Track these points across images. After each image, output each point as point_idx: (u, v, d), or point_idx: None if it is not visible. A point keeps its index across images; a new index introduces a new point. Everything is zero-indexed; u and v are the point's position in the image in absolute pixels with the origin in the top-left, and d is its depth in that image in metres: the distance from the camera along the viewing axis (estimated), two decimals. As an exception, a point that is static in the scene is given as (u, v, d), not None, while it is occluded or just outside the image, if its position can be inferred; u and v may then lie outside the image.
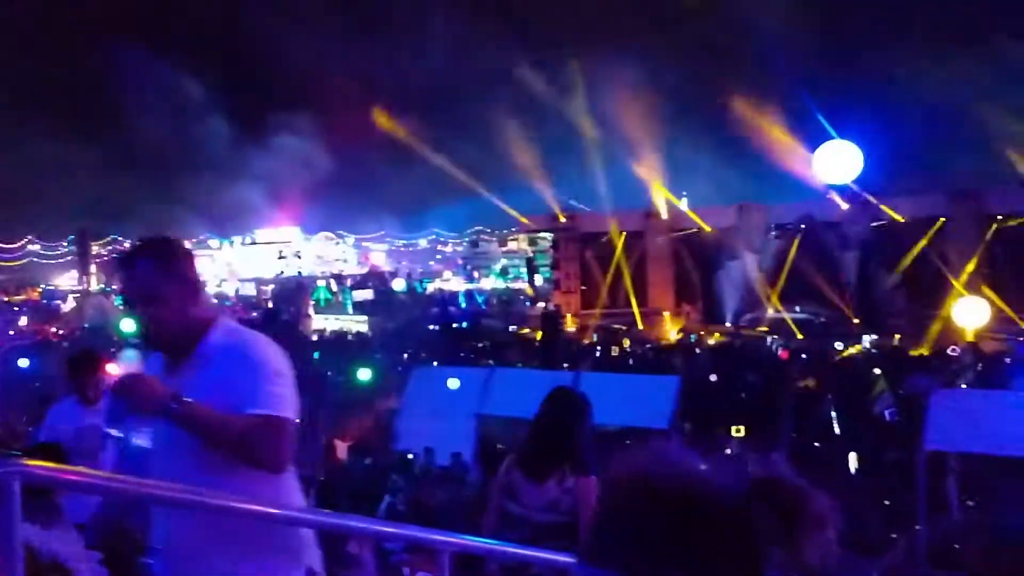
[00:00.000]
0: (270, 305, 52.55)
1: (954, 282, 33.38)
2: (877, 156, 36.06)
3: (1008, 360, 23.40)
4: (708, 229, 41.00)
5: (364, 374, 18.26)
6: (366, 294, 54.94)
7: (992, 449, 9.26)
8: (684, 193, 43.86)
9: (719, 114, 45.35)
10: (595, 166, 44.19)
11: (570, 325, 39.14)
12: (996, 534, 8.23)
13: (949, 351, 26.26)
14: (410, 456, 11.53)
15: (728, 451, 12.78)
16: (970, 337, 28.59)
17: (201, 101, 73.12)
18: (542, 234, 47.54)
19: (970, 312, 8.31)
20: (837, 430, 14.02)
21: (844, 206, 37.39)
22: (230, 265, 76.03)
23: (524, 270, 59.47)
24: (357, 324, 44.48)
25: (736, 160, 47.63)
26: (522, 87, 50.06)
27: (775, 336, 34.61)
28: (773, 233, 39.55)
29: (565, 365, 22.10)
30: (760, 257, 39.63)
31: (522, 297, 54.37)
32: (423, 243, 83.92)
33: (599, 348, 31.80)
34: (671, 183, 42.96)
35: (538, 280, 49.58)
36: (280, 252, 76.94)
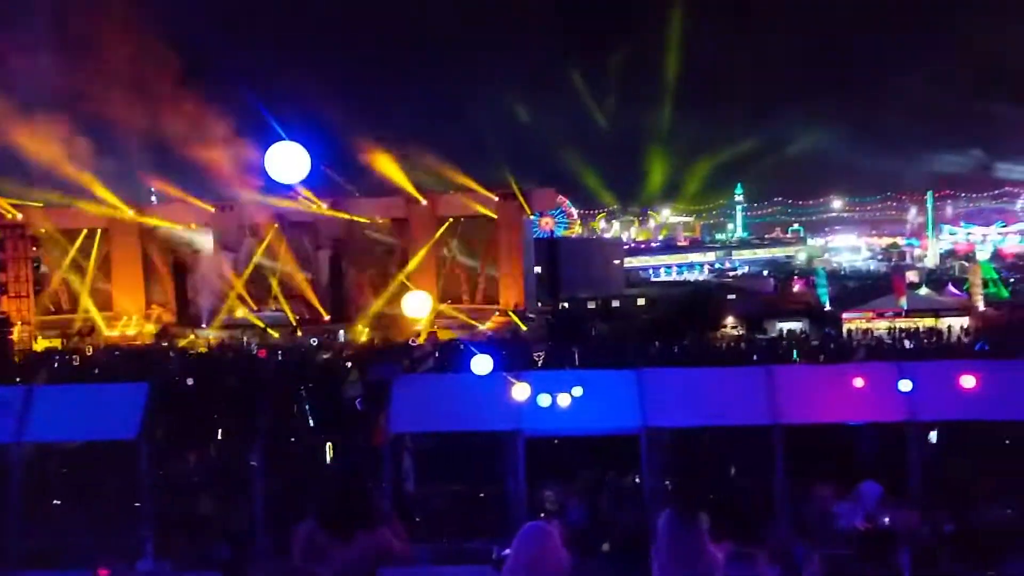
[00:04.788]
0: None
1: (402, 278, 36.89)
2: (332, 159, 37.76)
3: (461, 346, 26.66)
4: (178, 227, 39.69)
5: None
6: None
7: (446, 426, 10.49)
8: (152, 190, 41.74)
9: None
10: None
11: (20, 334, 34.52)
12: (445, 500, 9.81)
13: (410, 341, 29.26)
14: None
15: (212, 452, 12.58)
16: (426, 327, 31.96)
17: None
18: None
19: (415, 305, 9.72)
20: (311, 423, 14.56)
21: (318, 206, 38.92)
22: None
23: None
24: None
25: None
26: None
27: (251, 336, 34.83)
28: (248, 231, 39.65)
29: (17, 379, 19.57)
30: (236, 256, 39.39)
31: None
32: None
33: (58, 357, 28.66)
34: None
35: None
36: None
